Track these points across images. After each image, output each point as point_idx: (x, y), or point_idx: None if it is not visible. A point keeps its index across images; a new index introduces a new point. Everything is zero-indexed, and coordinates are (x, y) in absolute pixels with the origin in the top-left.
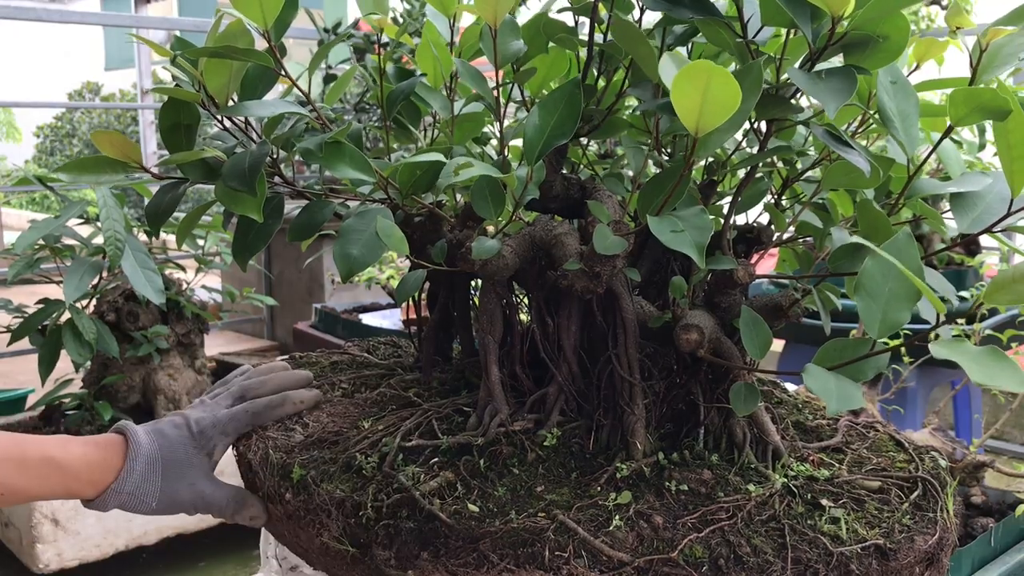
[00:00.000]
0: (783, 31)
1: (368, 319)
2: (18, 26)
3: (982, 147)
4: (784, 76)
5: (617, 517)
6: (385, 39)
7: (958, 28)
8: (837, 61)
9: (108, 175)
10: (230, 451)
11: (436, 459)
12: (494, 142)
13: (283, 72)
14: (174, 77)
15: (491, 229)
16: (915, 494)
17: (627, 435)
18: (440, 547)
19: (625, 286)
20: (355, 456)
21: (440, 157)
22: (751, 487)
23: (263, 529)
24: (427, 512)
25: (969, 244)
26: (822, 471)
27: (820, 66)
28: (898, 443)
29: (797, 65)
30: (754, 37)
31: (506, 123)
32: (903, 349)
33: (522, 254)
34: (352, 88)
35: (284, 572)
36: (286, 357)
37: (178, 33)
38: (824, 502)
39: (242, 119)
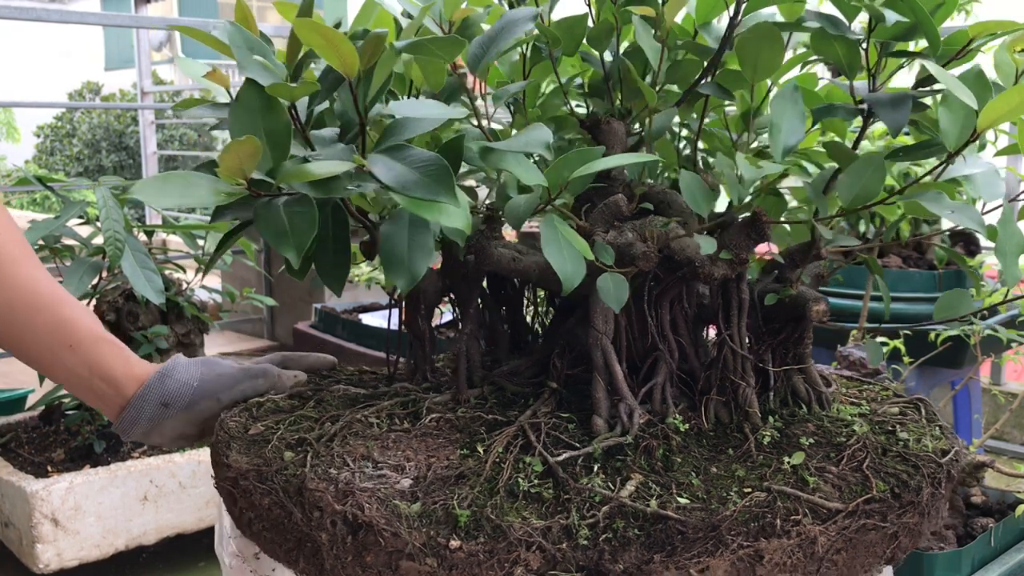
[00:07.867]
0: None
1: (368, 319)
2: (18, 26)
3: (982, 147)
4: None
5: (807, 474)
6: None
7: None
8: None
9: (200, 194)
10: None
11: (596, 465)
12: None
13: (463, 72)
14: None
15: (637, 234)
16: (924, 411)
17: (745, 406)
18: (675, 545)
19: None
20: (517, 482)
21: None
22: (856, 428)
23: (223, 511)
24: (652, 515)
25: (969, 244)
26: (863, 408)
27: None
28: (851, 378)
29: None
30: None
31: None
32: (903, 349)
33: None
34: None
35: (243, 555)
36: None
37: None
38: (894, 429)
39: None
